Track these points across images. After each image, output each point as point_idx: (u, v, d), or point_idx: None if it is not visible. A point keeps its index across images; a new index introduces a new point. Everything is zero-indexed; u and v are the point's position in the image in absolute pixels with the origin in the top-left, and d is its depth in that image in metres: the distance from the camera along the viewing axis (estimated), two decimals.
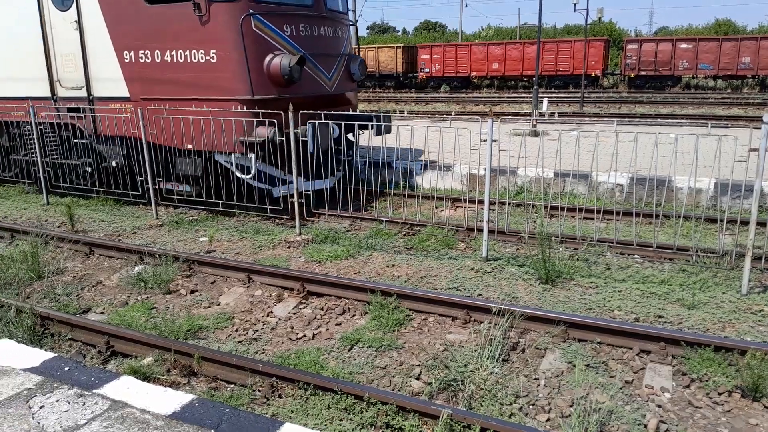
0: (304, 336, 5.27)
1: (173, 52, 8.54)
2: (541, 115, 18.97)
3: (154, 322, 5.54)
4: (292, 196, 8.18)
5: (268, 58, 8.39)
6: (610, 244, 7.15)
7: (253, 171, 8.47)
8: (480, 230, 7.18)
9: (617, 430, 3.88)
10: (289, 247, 7.66)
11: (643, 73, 33.27)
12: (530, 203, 9.06)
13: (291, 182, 8.64)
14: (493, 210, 8.70)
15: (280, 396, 4.24)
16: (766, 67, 29.59)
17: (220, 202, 8.98)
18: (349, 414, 3.98)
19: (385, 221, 8.20)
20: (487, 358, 4.65)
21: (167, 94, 8.76)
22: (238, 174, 8.53)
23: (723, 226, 7.51)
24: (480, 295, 6.00)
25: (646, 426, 3.89)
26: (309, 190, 8.52)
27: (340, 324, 5.52)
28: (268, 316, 5.72)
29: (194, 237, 8.27)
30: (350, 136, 10.21)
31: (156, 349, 4.81)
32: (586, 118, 19.25)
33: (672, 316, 5.41)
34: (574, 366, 4.61)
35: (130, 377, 3.46)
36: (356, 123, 8.49)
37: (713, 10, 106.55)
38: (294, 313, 5.74)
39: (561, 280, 6.30)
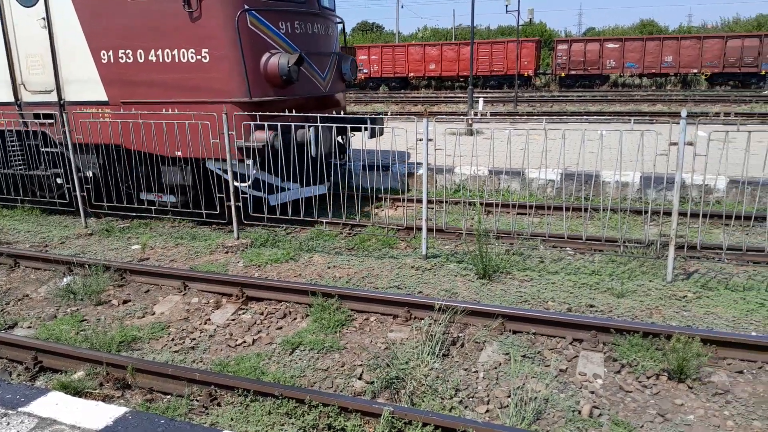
0: (244, 342, 5.19)
1: (159, 52, 7.91)
2: (477, 114, 19.40)
3: (85, 334, 5.32)
4: (237, 199, 7.79)
5: (264, 58, 7.93)
6: (543, 238, 7.40)
7: (251, 178, 7.96)
8: (419, 229, 7.28)
9: (553, 417, 4.02)
10: (227, 252, 7.51)
11: (573, 72, 34.53)
12: (467, 201, 9.25)
13: (289, 189, 8.41)
14: (432, 208, 8.82)
15: (219, 404, 4.16)
16: (687, 65, 31.32)
17: (153, 207, 8.69)
18: (290, 418, 3.95)
19: (326, 222, 8.18)
20: (428, 355, 4.72)
21: (152, 97, 8.08)
22: (234, 183, 7.78)
23: (648, 218, 7.90)
24: (420, 292, 6.07)
25: (579, 412, 4.05)
26: (307, 196, 8.29)
27: (281, 328, 5.47)
28: (205, 323, 5.60)
29: (126, 245, 7.98)
30: (339, 139, 9.81)
31: (87, 362, 4.61)
32: (520, 117, 19.81)
33: (603, 305, 5.65)
34: (511, 357, 4.75)
35: (60, 393, 3.32)
36: (348, 126, 8.20)
37: (638, 11, 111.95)
38: (233, 320, 5.64)
39: (498, 274, 6.46)
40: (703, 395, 4.25)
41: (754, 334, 5.04)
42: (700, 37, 31.06)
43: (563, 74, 34.84)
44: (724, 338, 4.72)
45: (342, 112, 9.53)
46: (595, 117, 18.26)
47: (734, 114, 18.30)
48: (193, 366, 4.78)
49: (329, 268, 6.83)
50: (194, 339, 5.29)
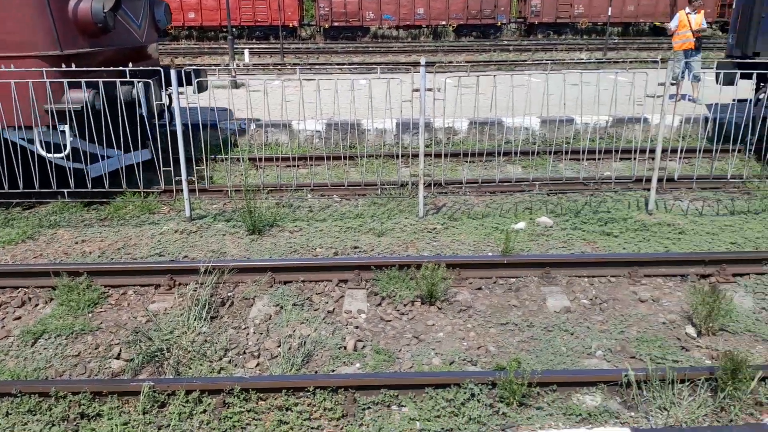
0: None
1: None
2: (243, 65, 18.76)
3: None
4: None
5: (73, 2, 6.62)
6: (310, 188, 7.55)
7: (68, 148, 6.66)
8: (180, 191, 6.87)
9: (321, 357, 4.19)
10: None
11: (336, 24, 35.21)
12: (234, 157, 8.98)
13: (111, 157, 7.17)
14: (201, 168, 8.38)
15: None
16: (437, 17, 34.00)
17: None
18: (35, 415, 3.51)
19: (67, 192, 7.19)
20: (194, 320, 4.54)
21: None
22: (44, 154, 6.61)
23: (399, 162, 8.51)
24: (186, 257, 5.79)
25: (345, 347, 4.29)
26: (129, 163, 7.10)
27: (19, 318, 4.78)
28: None
29: None
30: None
31: None
32: (287, 68, 19.70)
33: (366, 245, 6.00)
34: (282, 308, 4.81)
35: None
36: (176, 80, 7.03)
37: None
38: None
39: (268, 228, 6.44)
40: (450, 313, 4.80)
41: (489, 254, 5.81)
42: None
43: (327, 26, 35.34)
44: (465, 261, 5.36)
45: (156, 66, 8.47)
46: (361, 68, 18.95)
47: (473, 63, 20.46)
48: None
49: (77, 243, 6.12)
50: None
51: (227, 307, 4.88)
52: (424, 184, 6.74)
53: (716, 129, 9.18)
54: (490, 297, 5.08)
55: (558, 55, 23.19)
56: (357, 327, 4.59)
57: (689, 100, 11.09)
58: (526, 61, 20.44)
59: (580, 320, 4.69)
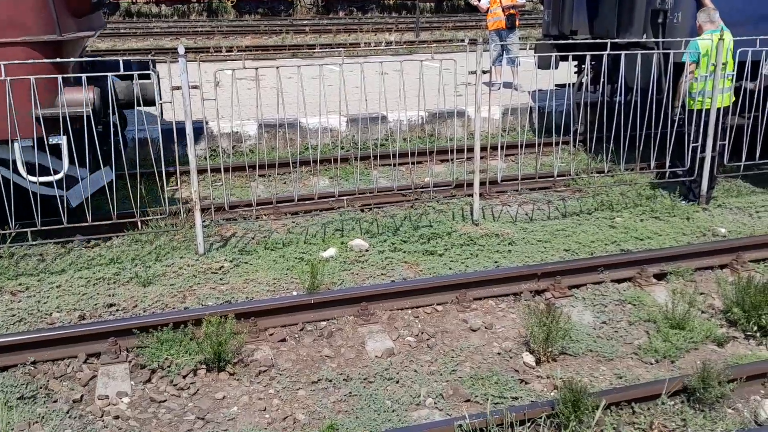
0: None
1: None
2: None
3: None
4: None
5: None
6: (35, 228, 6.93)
7: (65, 168, 6.36)
8: None
9: None
10: None
11: None
12: None
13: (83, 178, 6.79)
14: None
15: None
16: None
17: None
18: None
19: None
20: None
21: None
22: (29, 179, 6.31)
23: (164, 182, 8.19)
24: None
25: None
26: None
27: None
28: None
29: None
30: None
31: None
32: None
33: (126, 300, 5.66)
34: (3, 406, 4.31)
35: None
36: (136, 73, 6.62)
37: None
38: None
39: None
40: (246, 379, 4.71)
41: (294, 294, 5.81)
42: None
43: None
44: (262, 308, 5.32)
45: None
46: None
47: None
48: None
49: None
50: None
51: None
52: (203, 209, 6.55)
53: (539, 120, 10.22)
54: (297, 349, 5.08)
55: (364, 37, 24.27)
56: (117, 417, 4.29)
57: (514, 88, 12.18)
58: (332, 45, 21.05)
59: (406, 363, 4.88)
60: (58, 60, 6.13)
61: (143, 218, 6.83)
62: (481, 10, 13.24)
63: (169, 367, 4.74)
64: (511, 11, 12.29)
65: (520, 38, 13.65)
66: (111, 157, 6.66)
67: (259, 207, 7.45)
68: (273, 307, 5.34)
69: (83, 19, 7.02)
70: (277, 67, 6.92)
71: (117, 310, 5.53)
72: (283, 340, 5.20)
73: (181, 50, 5.98)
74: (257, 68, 6.78)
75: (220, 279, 6.12)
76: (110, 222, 6.53)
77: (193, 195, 6.39)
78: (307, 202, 7.50)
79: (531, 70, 8.49)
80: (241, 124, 9.54)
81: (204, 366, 4.78)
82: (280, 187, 8.80)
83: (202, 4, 33.81)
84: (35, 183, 6.37)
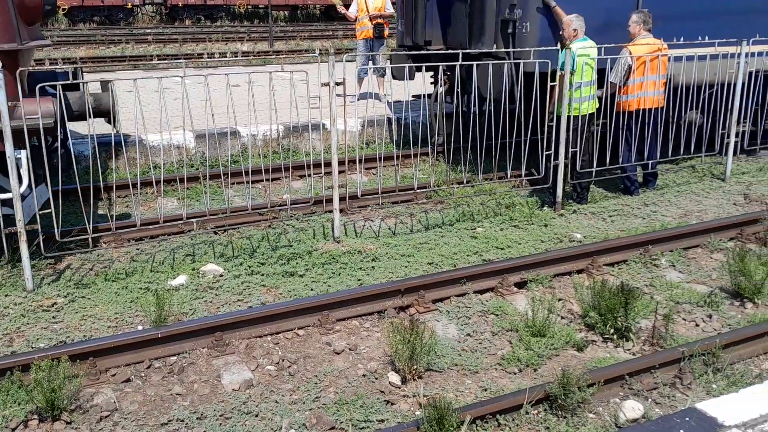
0: None
1: None
2: None
3: None
4: None
5: None
6: None
7: (24, 186, 6.10)
8: None
9: None
10: None
11: None
12: None
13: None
14: None
15: None
16: None
17: None
18: None
19: None
20: None
21: None
22: None
23: None
24: None
25: None
26: None
27: None
28: None
29: None
30: None
31: None
32: None
33: None
34: None
35: None
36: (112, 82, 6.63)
37: None
38: None
39: None
40: (86, 426, 4.43)
41: (139, 329, 5.55)
42: None
43: None
44: (101, 346, 5.02)
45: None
46: None
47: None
48: None
49: None
50: None
51: None
52: (29, 239, 6.15)
53: (397, 131, 10.44)
54: (144, 389, 4.85)
55: (214, 46, 23.89)
56: None
57: (379, 99, 12.29)
58: (178, 55, 20.53)
59: (266, 394, 4.78)
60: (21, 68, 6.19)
61: None
62: (349, 19, 13.35)
63: None
64: (379, 20, 12.43)
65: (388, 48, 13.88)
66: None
67: (96, 234, 7.08)
68: (114, 344, 5.06)
69: (33, 28, 7.10)
70: (110, 81, 6.64)
71: None
72: (128, 380, 4.94)
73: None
74: (86, 82, 6.48)
75: (53, 317, 5.75)
76: None
77: (17, 224, 5.97)
78: (151, 226, 7.21)
79: (396, 82, 8.67)
80: (72, 143, 9.06)
81: (36, 416, 4.46)
82: (122, 210, 8.42)
83: None
84: None
